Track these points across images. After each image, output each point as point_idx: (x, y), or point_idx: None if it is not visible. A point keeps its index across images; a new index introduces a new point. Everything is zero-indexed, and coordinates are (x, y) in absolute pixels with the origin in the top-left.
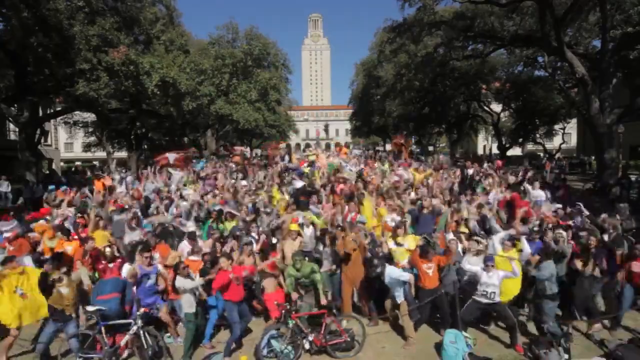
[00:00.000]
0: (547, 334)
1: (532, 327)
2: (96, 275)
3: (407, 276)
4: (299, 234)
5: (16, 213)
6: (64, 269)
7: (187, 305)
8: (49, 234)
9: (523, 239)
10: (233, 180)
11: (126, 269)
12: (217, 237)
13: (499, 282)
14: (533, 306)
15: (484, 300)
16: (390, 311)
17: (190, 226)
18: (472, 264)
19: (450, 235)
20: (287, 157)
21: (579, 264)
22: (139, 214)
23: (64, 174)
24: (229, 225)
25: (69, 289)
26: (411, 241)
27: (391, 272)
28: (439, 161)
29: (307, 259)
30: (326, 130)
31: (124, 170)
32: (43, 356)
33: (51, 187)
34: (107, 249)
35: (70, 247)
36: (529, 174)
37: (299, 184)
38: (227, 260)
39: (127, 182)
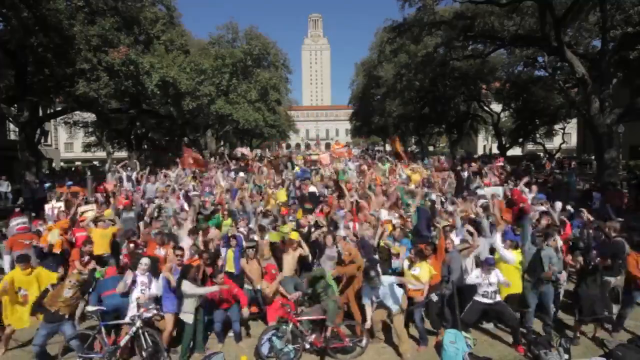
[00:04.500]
0: (545, 324)
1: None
2: (96, 274)
3: (400, 280)
4: (299, 245)
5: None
6: (81, 275)
7: (187, 311)
8: (58, 228)
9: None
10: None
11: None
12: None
13: (497, 281)
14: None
15: (486, 301)
16: (377, 324)
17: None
18: (468, 265)
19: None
20: (289, 165)
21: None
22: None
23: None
24: (226, 222)
25: (72, 290)
26: (425, 271)
27: (385, 280)
28: (440, 162)
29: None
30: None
31: (129, 168)
32: (40, 358)
33: (47, 184)
34: (132, 245)
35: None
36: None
37: (310, 188)
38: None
39: (134, 180)
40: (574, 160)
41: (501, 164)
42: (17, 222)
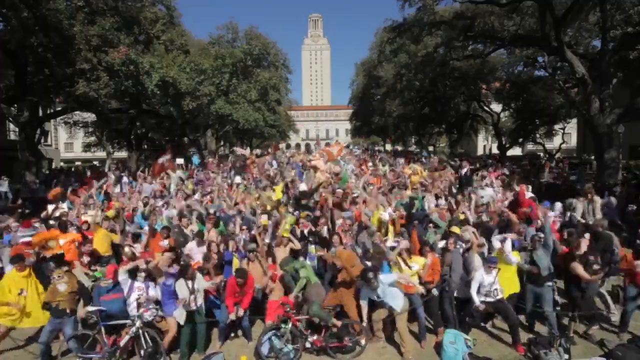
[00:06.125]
0: (547, 324)
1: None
2: (96, 274)
3: (396, 276)
4: (290, 240)
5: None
6: (66, 268)
7: (178, 313)
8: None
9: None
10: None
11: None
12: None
13: (495, 278)
14: (531, 297)
15: (487, 299)
16: (377, 323)
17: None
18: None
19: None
20: (274, 162)
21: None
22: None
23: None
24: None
25: (67, 285)
26: (420, 261)
27: (384, 279)
28: (435, 162)
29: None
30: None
31: (119, 170)
32: (44, 355)
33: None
34: (127, 248)
35: (63, 241)
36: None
37: (302, 186)
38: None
39: (124, 182)
40: (560, 161)
41: (505, 170)
42: (23, 235)
